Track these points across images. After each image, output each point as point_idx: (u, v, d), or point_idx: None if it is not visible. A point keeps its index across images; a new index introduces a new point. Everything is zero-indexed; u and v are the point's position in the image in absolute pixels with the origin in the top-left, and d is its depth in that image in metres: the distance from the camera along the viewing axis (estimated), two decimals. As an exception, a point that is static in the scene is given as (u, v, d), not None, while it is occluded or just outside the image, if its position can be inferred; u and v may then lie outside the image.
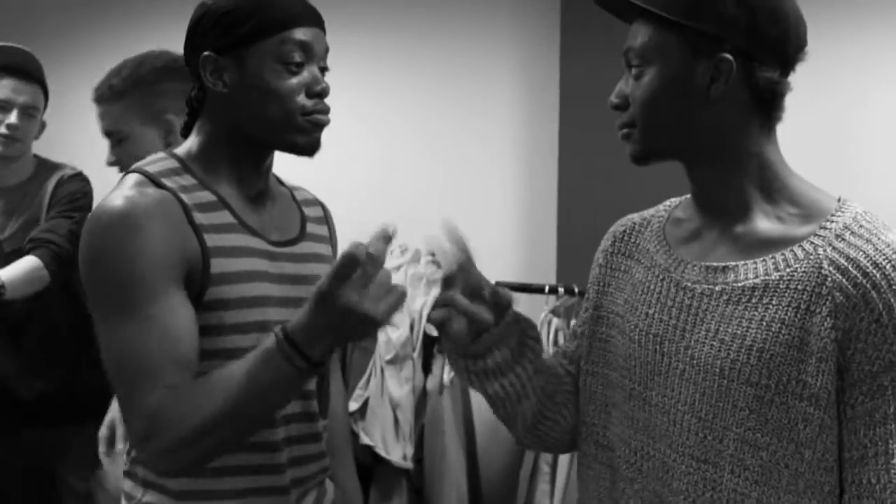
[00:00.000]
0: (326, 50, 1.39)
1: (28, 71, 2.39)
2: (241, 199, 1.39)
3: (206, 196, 1.35)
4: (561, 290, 2.98)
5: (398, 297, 1.18)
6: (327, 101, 1.38)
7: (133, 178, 1.33)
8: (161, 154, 1.40)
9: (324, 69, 1.39)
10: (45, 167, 2.51)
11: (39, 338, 2.40)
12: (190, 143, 1.41)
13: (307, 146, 1.37)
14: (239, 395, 1.21)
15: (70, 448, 2.49)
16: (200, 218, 1.32)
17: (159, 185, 1.31)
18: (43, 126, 2.49)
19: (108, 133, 1.97)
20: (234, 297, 1.32)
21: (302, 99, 1.34)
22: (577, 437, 1.37)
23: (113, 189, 1.32)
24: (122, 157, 2.00)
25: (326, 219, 1.60)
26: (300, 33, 1.34)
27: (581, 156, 3.15)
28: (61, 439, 2.48)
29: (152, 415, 1.21)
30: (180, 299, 1.27)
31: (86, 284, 1.28)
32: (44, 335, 2.41)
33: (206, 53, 1.34)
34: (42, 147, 2.58)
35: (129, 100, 1.95)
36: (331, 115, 1.39)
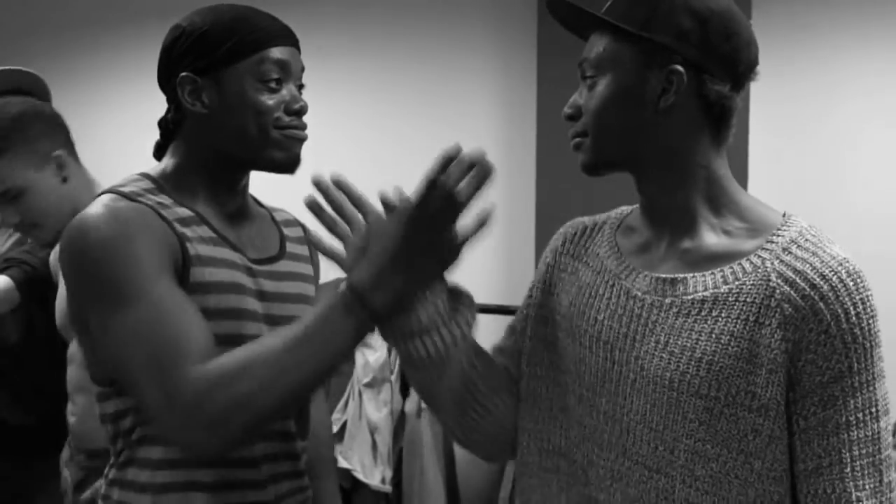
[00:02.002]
0: (303, 69, 1.41)
1: (35, 94, 2.33)
2: (218, 216, 1.40)
3: (183, 212, 1.35)
4: (538, 311, 2.98)
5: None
6: (306, 118, 1.39)
7: (108, 196, 1.32)
8: (135, 176, 1.39)
9: (301, 87, 1.40)
10: None
11: (25, 369, 2.37)
12: (164, 165, 1.41)
13: (286, 162, 1.37)
14: (293, 359, 1.18)
15: (51, 480, 2.45)
16: (181, 229, 1.32)
17: (136, 202, 1.31)
18: None
19: (2, 193, 1.93)
20: (215, 307, 1.31)
21: (279, 114, 1.35)
22: (516, 447, 1.34)
23: (88, 207, 1.31)
24: (26, 213, 1.95)
25: (308, 239, 1.59)
26: (277, 52, 1.35)
27: (558, 177, 3.17)
28: (43, 471, 2.44)
29: (194, 384, 1.17)
30: (175, 284, 1.26)
31: (78, 287, 1.27)
32: (29, 367, 2.36)
33: (184, 74, 1.34)
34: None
35: (12, 153, 1.92)
36: (312, 138, 1.40)
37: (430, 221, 1.17)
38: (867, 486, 1.10)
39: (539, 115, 3.27)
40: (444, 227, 1.17)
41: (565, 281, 1.33)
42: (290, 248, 1.51)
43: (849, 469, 1.10)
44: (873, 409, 1.11)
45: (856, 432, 1.10)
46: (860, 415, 1.10)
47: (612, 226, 1.34)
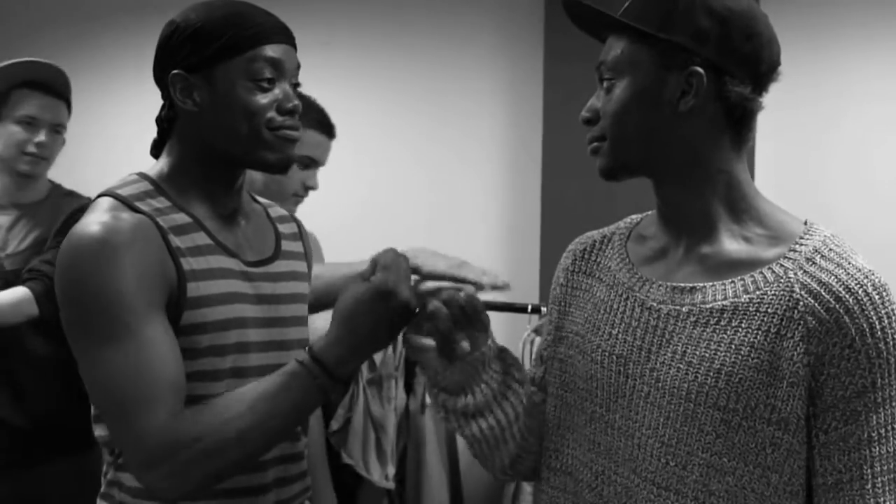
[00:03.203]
0: (298, 66, 1.38)
1: (55, 87, 2.34)
2: (214, 219, 1.37)
3: (181, 218, 1.33)
4: (543, 309, 2.97)
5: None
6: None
7: (106, 202, 1.30)
8: (133, 176, 1.37)
9: (296, 85, 1.38)
10: (59, 191, 2.45)
11: (19, 371, 2.31)
12: (161, 164, 1.39)
13: (277, 163, 1.35)
14: (256, 416, 1.21)
15: (58, 484, 2.37)
16: (176, 241, 1.30)
17: (134, 209, 1.29)
18: (62, 143, 2.44)
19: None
20: (211, 320, 1.30)
21: (272, 115, 1.32)
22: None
23: (85, 214, 1.29)
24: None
25: (301, 235, 1.58)
26: (270, 50, 1.32)
27: (564, 176, 3.15)
28: (49, 475, 2.36)
29: (159, 439, 1.19)
30: (164, 324, 1.25)
31: (65, 314, 1.26)
32: (23, 368, 2.31)
33: (175, 72, 1.32)
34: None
35: None
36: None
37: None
38: (888, 503, 1.08)
39: (545, 116, 3.24)
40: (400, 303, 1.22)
41: (580, 298, 1.31)
42: (285, 245, 1.49)
43: (869, 485, 1.08)
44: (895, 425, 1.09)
45: (878, 448, 1.08)
46: (883, 431, 1.08)
47: (622, 236, 1.31)
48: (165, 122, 1.38)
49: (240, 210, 1.43)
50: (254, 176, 2.02)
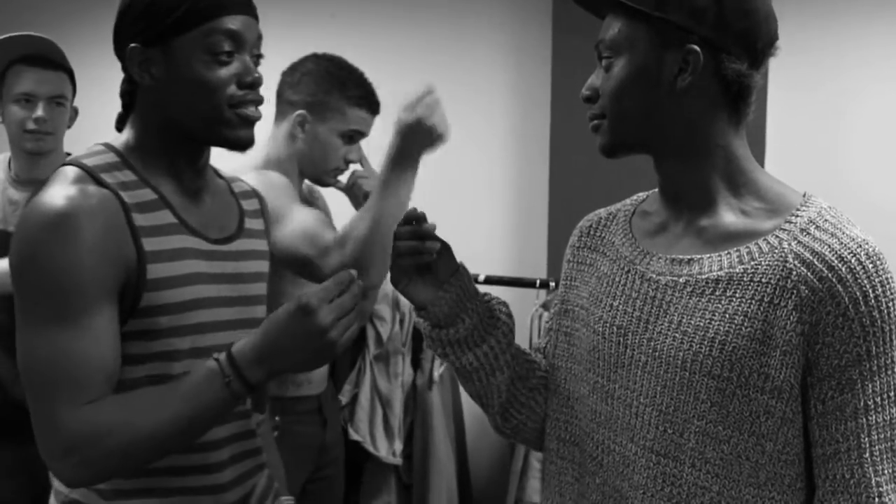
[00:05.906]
0: (259, 37, 1.34)
1: (50, 58, 2.30)
2: (180, 195, 1.35)
3: (146, 194, 1.30)
4: (552, 284, 2.97)
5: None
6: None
7: (72, 172, 1.26)
8: (99, 146, 1.34)
9: (258, 57, 1.34)
10: None
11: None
12: (126, 136, 1.35)
13: (236, 141, 1.32)
14: (170, 415, 1.21)
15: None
16: (139, 219, 1.27)
17: (99, 182, 1.25)
18: (75, 113, 2.40)
19: None
20: (171, 302, 1.28)
21: (232, 90, 1.29)
22: (542, 433, 1.37)
23: (49, 183, 1.25)
24: None
25: (262, 211, 1.55)
26: (228, 22, 1.28)
27: (572, 151, 3.14)
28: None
29: (76, 428, 1.18)
30: (111, 312, 1.23)
31: (15, 283, 1.23)
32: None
33: (132, 45, 1.29)
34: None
35: None
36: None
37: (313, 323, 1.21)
38: (886, 471, 1.09)
39: (553, 93, 3.24)
40: (322, 330, 1.20)
41: (585, 273, 1.34)
42: (248, 223, 1.47)
43: (867, 454, 1.09)
44: (892, 394, 1.09)
45: (874, 416, 1.09)
46: (878, 399, 1.08)
47: (627, 213, 1.33)
48: (127, 96, 1.36)
49: (205, 187, 1.41)
50: (298, 147, 2.14)
